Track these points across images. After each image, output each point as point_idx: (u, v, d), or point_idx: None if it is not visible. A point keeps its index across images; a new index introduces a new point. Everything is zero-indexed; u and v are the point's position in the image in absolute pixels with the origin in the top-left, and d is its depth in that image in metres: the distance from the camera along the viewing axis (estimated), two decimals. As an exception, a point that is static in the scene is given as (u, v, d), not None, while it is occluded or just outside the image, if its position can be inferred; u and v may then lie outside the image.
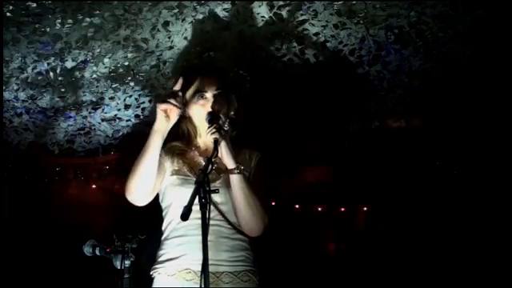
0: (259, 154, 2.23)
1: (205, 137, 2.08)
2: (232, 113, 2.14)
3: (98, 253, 1.96)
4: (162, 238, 2.11)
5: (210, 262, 1.93)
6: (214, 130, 1.93)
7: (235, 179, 1.97)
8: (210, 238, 1.94)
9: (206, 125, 2.04)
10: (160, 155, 2.09)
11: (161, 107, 1.96)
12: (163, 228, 2.13)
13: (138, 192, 2.02)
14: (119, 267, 1.90)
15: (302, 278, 5.64)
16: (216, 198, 1.99)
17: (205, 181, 1.71)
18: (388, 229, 5.94)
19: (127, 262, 1.91)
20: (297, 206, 6.35)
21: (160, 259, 2.07)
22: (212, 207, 1.98)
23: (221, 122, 2.01)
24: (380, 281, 5.50)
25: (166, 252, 2.06)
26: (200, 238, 1.80)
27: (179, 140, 2.18)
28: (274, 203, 6.25)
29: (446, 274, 5.30)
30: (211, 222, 1.96)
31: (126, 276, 1.92)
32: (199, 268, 1.87)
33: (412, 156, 5.17)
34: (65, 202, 5.27)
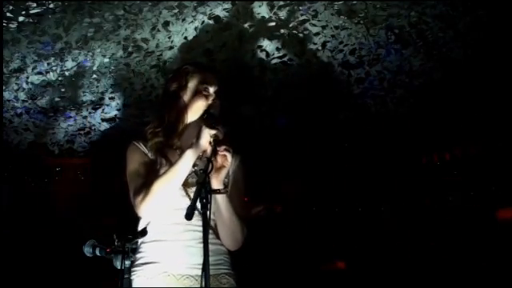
0: (238, 156, 2.18)
1: (190, 135, 2.06)
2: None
3: (98, 253, 1.95)
4: (140, 240, 2.06)
5: (190, 266, 1.98)
6: (213, 128, 1.91)
7: (221, 198, 1.97)
8: (191, 243, 1.98)
9: (196, 116, 2.05)
10: (146, 155, 2.08)
11: (211, 132, 1.90)
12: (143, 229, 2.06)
13: (158, 208, 2.00)
14: (119, 267, 1.89)
15: (302, 276, 5.64)
16: (197, 203, 1.99)
17: (206, 181, 1.71)
18: (388, 229, 5.94)
19: (127, 263, 1.90)
20: (297, 206, 6.35)
21: (139, 262, 2.04)
22: (195, 212, 1.98)
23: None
24: (380, 281, 5.50)
25: (145, 255, 2.04)
26: (182, 242, 1.95)
27: (161, 132, 2.12)
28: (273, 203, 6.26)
29: (447, 274, 5.29)
30: (192, 228, 1.98)
31: (126, 276, 1.91)
32: (179, 271, 1.96)
33: (412, 156, 5.17)
34: (65, 202, 5.27)
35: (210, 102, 2.08)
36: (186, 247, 1.99)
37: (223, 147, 1.90)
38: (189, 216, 1.65)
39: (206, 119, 2.00)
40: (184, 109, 2.11)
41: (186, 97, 2.11)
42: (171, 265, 1.99)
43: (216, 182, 1.94)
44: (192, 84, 2.12)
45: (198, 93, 2.10)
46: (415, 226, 5.72)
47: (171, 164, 1.99)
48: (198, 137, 1.93)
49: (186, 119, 2.11)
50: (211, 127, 1.91)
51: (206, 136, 1.90)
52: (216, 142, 1.87)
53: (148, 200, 1.95)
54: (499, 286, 4.81)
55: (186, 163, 1.94)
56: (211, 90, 2.10)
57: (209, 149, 1.90)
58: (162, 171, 2.01)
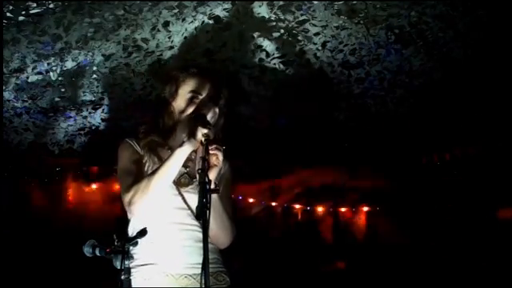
0: (227, 161, 2.19)
1: (180, 134, 2.08)
2: (213, 118, 2.12)
3: (97, 253, 1.94)
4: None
5: (188, 266, 1.99)
6: (206, 131, 1.92)
7: (213, 198, 1.92)
8: (187, 242, 1.99)
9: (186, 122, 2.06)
10: (138, 153, 2.10)
11: (203, 131, 1.91)
12: (134, 229, 2.05)
13: (148, 206, 2.00)
14: (119, 267, 1.89)
15: (302, 277, 5.63)
16: (190, 202, 2.01)
17: (206, 181, 1.71)
18: (388, 229, 5.94)
19: (127, 263, 1.90)
20: (297, 206, 6.36)
21: (135, 264, 2.02)
22: (189, 212, 2.00)
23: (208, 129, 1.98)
24: (380, 281, 5.50)
25: (140, 257, 2.03)
26: (179, 241, 1.97)
27: (155, 132, 2.15)
28: (273, 203, 6.27)
29: (446, 273, 5.29)
30: (187, 227, 2.00)
31: (127, 276, 1.91)
32: (177, 271, 1.97)
33: (412, 156, 5.17)
34: (65, 202, 5.27)
35: (199, 109, 2.09)
36: (182, 247, 2.00)
37: (214, 146, 1.91)
38: (199, 216, 1.67)
39: (195, 118, 2.01)
40: (174, 115, 2.13)
41: (176, 103, 2.14)
42: (169, 265, 2.00)
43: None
44: (182, 91, 2.14)
45: (187, 100, 2.11)
46: (415, 225, 5.72)
47: (162, 162, 2.01)
48: (189, 135, 1.95)
49: (178, 124, 2.13)
50: (203, 126, 1.92)
51: (198, 135, 1.91)
52: (207, 142, 1.88)
53: (138, 198, 1.97)
54: (499, 286, 4.81)
55: (176, 161, 1.96)
56: (201, 97, 2.12)
57: (201, 148, 1.91)
58: (152, 169, 2.03)
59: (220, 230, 2.06)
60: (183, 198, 2.04)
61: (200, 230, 2.00)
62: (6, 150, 4.48)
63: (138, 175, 2.02)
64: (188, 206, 2.03)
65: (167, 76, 2.25)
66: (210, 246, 2.03)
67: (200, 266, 1.79)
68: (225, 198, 2.08)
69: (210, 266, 1.96)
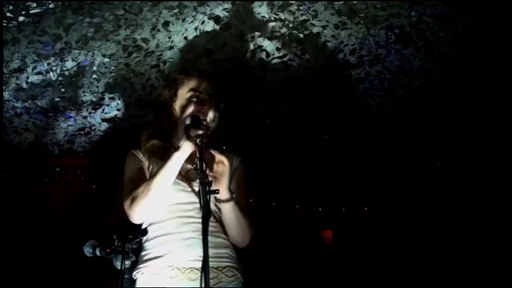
0: (239, 157, 2.24)
1: (182, 135, 2.08)
2: (214, 121, 2.16)
3: (98, 253, 1.95)
4: (144, 238, 2.09)
5: (194, 259, 1.99)
6: (200, 133, 1.93)
7: (228, 207, 2.00)
8: (194, 235, 2.00)
9: (188, 121, 2.06)
10: (142, 161, 2.13)
11: (197, 133, 1.93)
12: (150, 225, 2.11)
13: (150, 214, 2.03)
14: (119, 267, 1.89)
15: (301, 277, 5.63)
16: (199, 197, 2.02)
17: (206, 182, 1.73)
18: (388, 229, 5.94)
19: (127, 263, 1.91)
20: (297, 206, 6.35)
21: (143, 259, 2.07)
22: (196, 206, 1.99)
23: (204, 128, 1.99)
24: (379, 281, 5.50)
25: (148, 252, 2.07)
26: (184, 234, 1.98)
27: (156, 136, 2.17)
28: (274, 203, 6.26)
29: (446, 274, 5.29)
30: (193, 220, 2.02)
31: (127, 276, 1.92)
32: (183, 265, 1.98)
33: (412, 156, 5.17)
34: (65, 202, 5.27)
35: (199, 107, 2.11)
36: (188, 239, 2.02)
37: (218, 154, 1.95)
38: (207, 216, 1.69)
39: (190, 120, 2.02)
40: (176, 116, 2.17)
41: (177, 104, 2.18)
42: (175, 258, 2.01)
43: (222, 191, 1.96)
44: (181, 91, 2.18)
45: (187, 99, 2.14)
46: (415, 225, 5.72)
47: (160, 165, 2.02)
48: (185, 138, 1.96)
49: (179, 125, 2.14)
50: (197, 128, 1.94)
51: (192, 136, 1.92)
52: (202, 142, 1.89)
53: (137, 203, 1.99)
54: (499, 286, 4.81)
55: (173, 165, 1.97)
56: (200, 95, 2.14)
57: (197, 149, 1.92)
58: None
59: (236, 230, 2.08)
60: (193, 192, 2.05)
61: (209, 223, 2.03)
62: (5, 150, 4.47)
63: (139, 182, 2.03)
64: (196, 200, 2.03)
65: (166, 80, 2.28)
66: (221, 240, 2.08)
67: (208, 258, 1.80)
68: (238, 190, 2.10)
69: (218, 260, 2.03)
